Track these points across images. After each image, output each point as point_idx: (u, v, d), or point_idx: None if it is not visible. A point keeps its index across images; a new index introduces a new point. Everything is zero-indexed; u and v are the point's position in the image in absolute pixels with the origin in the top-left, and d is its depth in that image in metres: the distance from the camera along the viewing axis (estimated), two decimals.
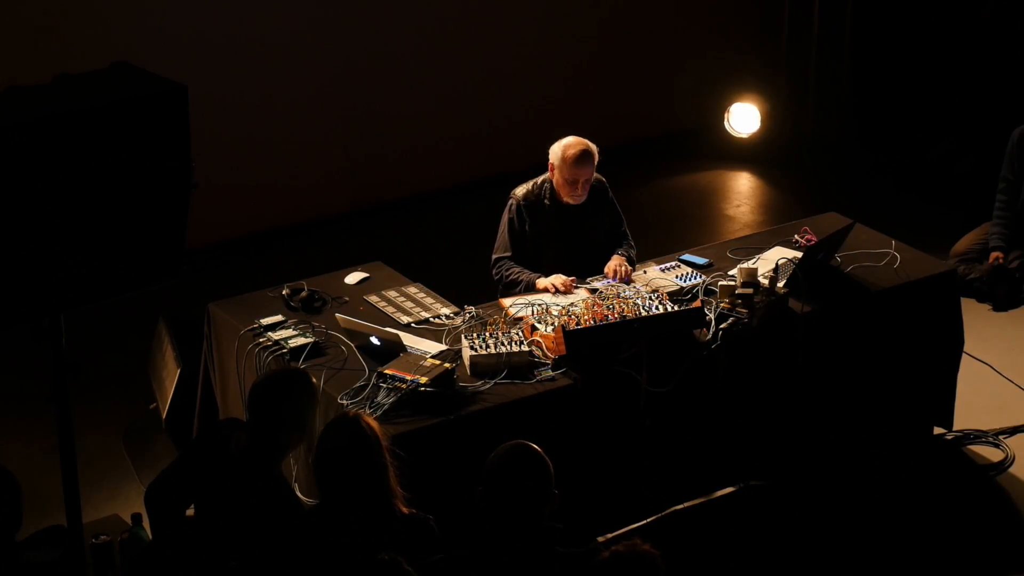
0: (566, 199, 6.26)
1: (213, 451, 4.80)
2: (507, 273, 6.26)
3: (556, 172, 6.25)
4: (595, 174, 6.32)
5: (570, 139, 6.24)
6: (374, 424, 4.48)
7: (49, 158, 4.16)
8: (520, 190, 6.36)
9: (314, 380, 4.87)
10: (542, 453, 4.22)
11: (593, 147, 6.23)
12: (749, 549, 5.72)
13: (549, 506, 4.19)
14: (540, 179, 6.35)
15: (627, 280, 6.05)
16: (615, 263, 6.15)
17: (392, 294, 6.02)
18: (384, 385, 5.24)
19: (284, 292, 5.97)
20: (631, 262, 6.27)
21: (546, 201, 6.30)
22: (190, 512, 4.90)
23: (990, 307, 7.69)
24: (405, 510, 4.43)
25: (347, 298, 5.99)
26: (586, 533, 4.47)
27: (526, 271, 6.22)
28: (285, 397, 4.73)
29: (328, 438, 4.49)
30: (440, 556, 4.20)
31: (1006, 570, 5.79)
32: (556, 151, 6.25)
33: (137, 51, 6.41)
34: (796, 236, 6.48)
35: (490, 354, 5.41)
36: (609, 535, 5.61)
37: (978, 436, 6.51)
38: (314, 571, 4.38)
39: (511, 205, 6.34)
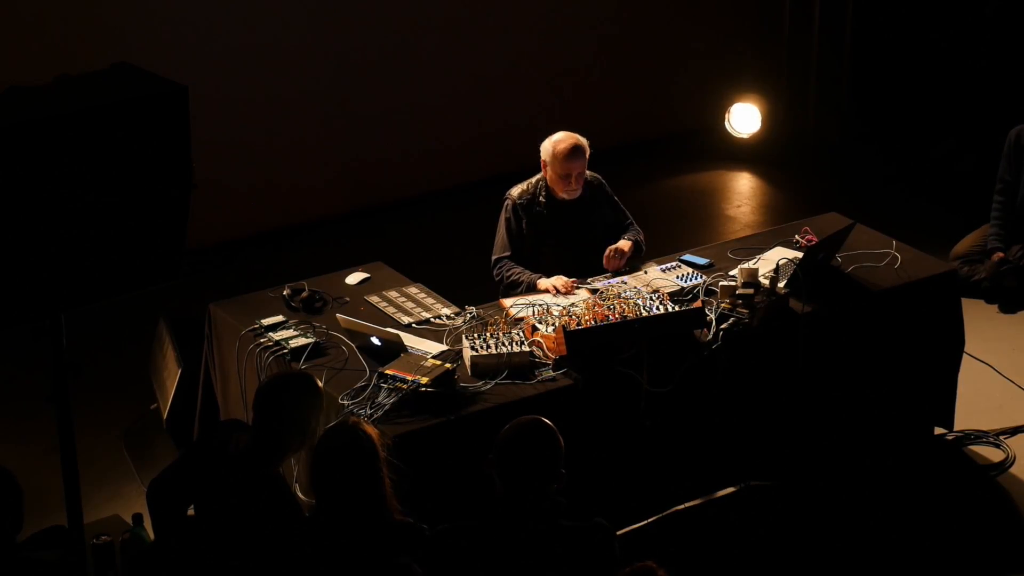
0: (561, 195, 6.26)
1: (213, 452, 4.79)
2: (508, 274, 6.26)
3: (548, 169, 6.25)
4: (590, 172, 6.33)
5: (559, 134, 6.25)
6: (373, 432, 4.47)
7: (49, 159, 4.16)
8: (515, 190, 6.36)
9: (319, 384, 4.86)
10: (555, 430, 4.23)
11: (583, 140, 6.24)
12: (749, 549, 5.73)
13: (556, 484, 4.20)
14: (535, 179, 6.36)
15: (621, 263, 6.07)
16: (609, 251, 6.16)
17: (393, 294, 6.02)
18: (385, 385, 5.24)
19: (285, 292, 5.96)
20: (638, 245, 6.29)
21: (541, 199, 6.30)
22: (190, 512, 4.90)
23: (997, 308, 7.66)
24: (399, 518, 4.42)
25: (348, 298, 5.99)
26: (587, 511, 4.46)
27: (527, 271, 6.22)
28: (290, 400, 4.73)
29: (325, 442, 4.49)
30: (445, 526, 4.20)
31: (1006, 570, 5.79)
32: (547, 148, 6.25)
33: (137, 51, 6.41)
34: (797, 236, 6.47)
35: (491, 354, 5.41)
36: None
37: (979, 436, 6.51)
38: (310, 574, 4.38)
39: (507, 205, 6.34)
